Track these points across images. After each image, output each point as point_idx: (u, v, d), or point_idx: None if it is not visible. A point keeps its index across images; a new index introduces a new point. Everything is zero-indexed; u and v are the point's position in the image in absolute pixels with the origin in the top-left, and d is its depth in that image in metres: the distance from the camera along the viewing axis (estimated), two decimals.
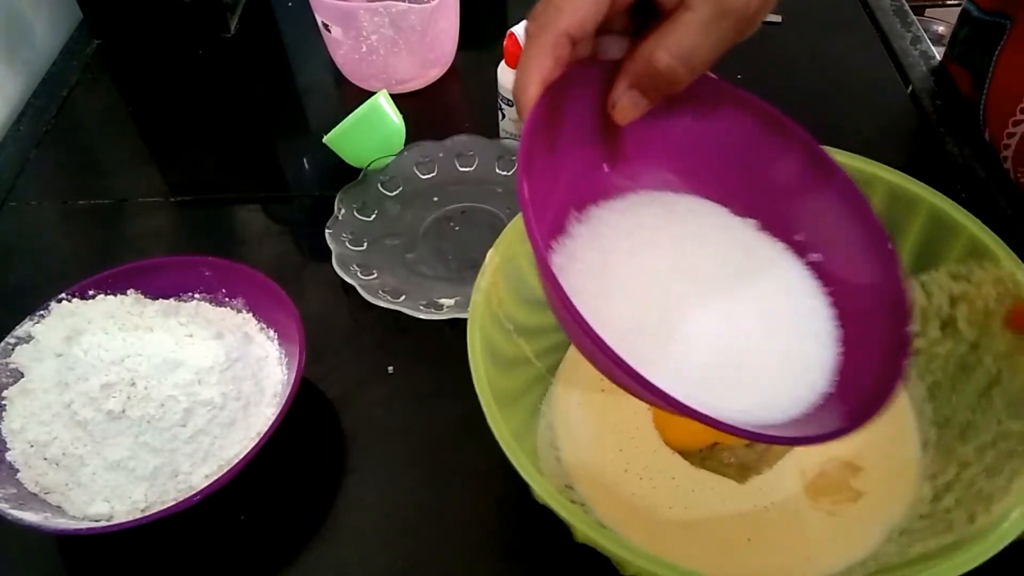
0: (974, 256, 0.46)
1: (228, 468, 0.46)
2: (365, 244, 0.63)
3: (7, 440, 0.48)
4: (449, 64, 0.80)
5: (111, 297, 0.54)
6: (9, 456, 0.47)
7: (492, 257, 0.47)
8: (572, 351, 0.53)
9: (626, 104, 0.35)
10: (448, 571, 0.48)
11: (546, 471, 0.46)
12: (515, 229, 0.49)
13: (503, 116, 0.70)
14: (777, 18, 0.84)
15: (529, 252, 0.48)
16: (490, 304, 0.46)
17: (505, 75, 0.67)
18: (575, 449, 0.49)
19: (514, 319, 0.48)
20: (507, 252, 0.48)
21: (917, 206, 0.48)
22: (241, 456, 0.47)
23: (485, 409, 0.40)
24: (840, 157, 0.49)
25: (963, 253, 0.47)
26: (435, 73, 0.80)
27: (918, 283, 0.49)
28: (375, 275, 0.60)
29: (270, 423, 0.47)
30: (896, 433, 0.49)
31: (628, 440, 0.49)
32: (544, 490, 0.37)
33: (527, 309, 0.49)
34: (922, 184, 0.48)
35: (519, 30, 0.65)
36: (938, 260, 0.48)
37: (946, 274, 0.48)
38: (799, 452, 0.48)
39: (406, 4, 0.72)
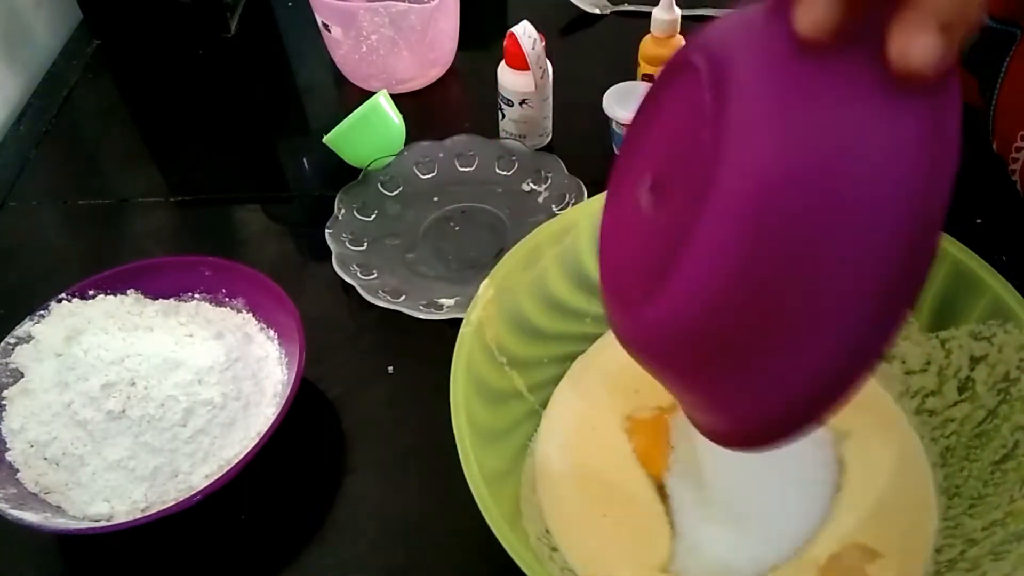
0: (997, 317, 0.44)
1: (228, 468, 0.46)
2: (365, 244, 0.63)
3: (7, 440, 0.48)
4: (449, 64, 0.80)
5: (111, 297, 0.54)
6: (9, 456, 0.47)
7: (486, 288, 0.46)
8: (563, 383, 0.52)
9: (933, 47, 0.25)
10: (448, 572, 0.48)
11: (527, 514, 0.45)
12: (510, 260, 0.48)
13: (503, 116, 0.70)
14: None
15: (527, 281, 0.49)
16: (482, 337, 0.45)
17: (505, 75, 0.67)
18: (552, 488, 0.47)
19: (508, 352, 0.48)
20: (504, 283, 0.47)
21: (940, 259, 0.45)
22: (241, 456, 0.47)
23: (462, 455, 0.40)
24: None
25: (986, 313, 0.45)
26: (435, 73, 0.80)
27: (938, 341, 0.48)
28: (375, 275, 0.60)
29: (270, 423, 0.47)
30: (917, 518, 0.45)
31: (608, 474, 0.48)
32: (513, 549, 0.37)
33: (523, 341, 0.49)
34: (947, 236, 0.46)
35: (519, 30, 0.65)
36: (959, 318, 0.46)
37: (967, 333, 0.46)
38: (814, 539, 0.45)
39: (406, 4, 0.72)
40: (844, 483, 0.46)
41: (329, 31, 0.75)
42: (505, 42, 0.66)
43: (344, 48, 0.76)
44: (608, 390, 0.51)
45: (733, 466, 0.47)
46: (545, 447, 0.49)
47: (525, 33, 0.64)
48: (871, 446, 0.48)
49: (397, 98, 0.70)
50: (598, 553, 0.45)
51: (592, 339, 0.54)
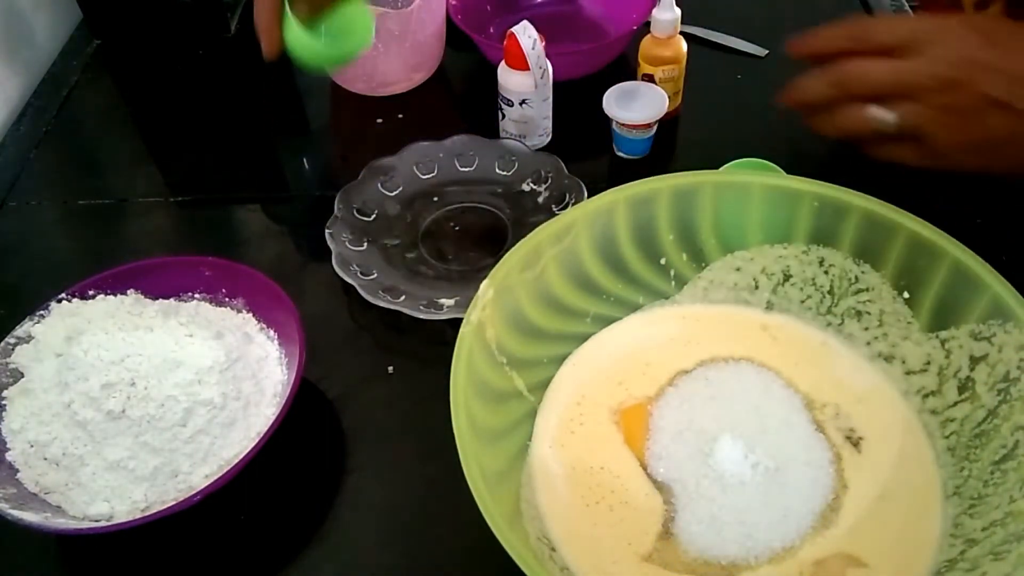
0: (997, 317, 0.44)
1: (228, 468, 0.46)
2: (365, 244, 0.63)
3: (7, 440, 0.48)
4: (434, 69, 0.80)
5: (111, 297, 0.54)
6: (9, 456, 0.47)
7: (486, 289, 0.46)
8: (556, 379, 0.52)
9: None
10: (447, 572, 0.48)
11: (527, 514, 0.45)
12: (510, 260, 0.48)
13: (503, 116, 0.70)
14: (762, 52, 0.81)
15: (527, 281, 0.49)
16: (482, 337, 0.45)
17: (505, 75, 0.67)
18: (548, 485, 0.47)
19: (508, 351, 0.48)
20: (504, 283, 0.47)
21: (940, 259, 0.46)
22: (241, 456, 0.47)
23: (462, 455, 0.40)
24: (861, 202, 0.49)
25: (986, 313, 0.45)
26: (419, 77, 0.79)
27: (938, 341, 0.48)
28: (375, 275, 0.60)
29: (270, 423, 0.47)
30: (917, 529, 0.45)
31: (599, 464, 0.48)
32: (513, 549, 0.37)
33: (523, 341, 0.49)
34: (947, 236, 0.46)
35: (519, 30, 0.65)
36: (960, 318, 0.46)
37: (967, 333, 0.46)
38: (805, 539, 0.45)
39: (381, 9, 0.71)
40: (845, 488, 0.46)
41: None
42: (505, 42, 0.66)
43: None
44: (595, 385, 0.52)
45: (719, 462, 0.47)
46: (539, 447, 0.49)
47: (525, 33, 0.64)
48: (877, 451, 0.48)
49: (391, 100, 0.69)
50: (589, 542, 0.45)
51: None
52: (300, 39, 0.54)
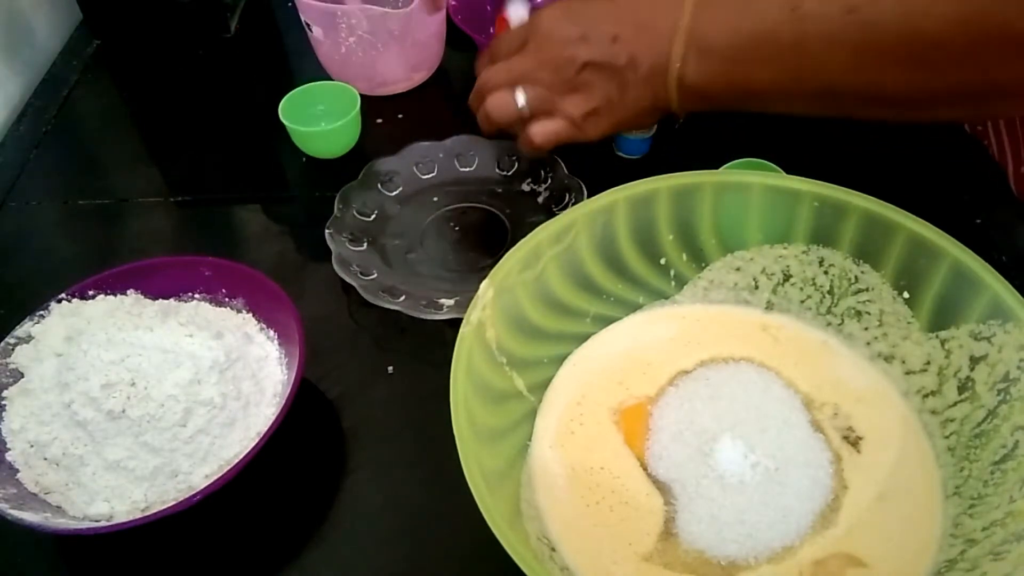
0: (997, 317, 0.44)
1: (228, 468, 0.46)
2: (365, 244, 0.63)
3: (7, 440, 0.48)
4: (434, 68, 0.80)
5: (111, 297, 0.54)
6: (9, 456, 0.47)
7: (486, 289, 0.46)
8: (556, 379, 0.52)
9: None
10: (447, 572, 0.48)
11: (527, 514, 0.45)
12: (510, 260, 0.48)
13: None
14: None
15: (527, 281, 0.49)
16: (482, 337, 0.45)
17: None
18: (548, 486, 0.47)
19: (508, 351, 0.48)
20: (504, 283, 0.47)
21: (940, 259, 0.46)
22: (241, 456, 0.47)
23: (462, 455, 0.40)
24: (861, 202, 0.49)
25: (986, 313, 0.45)
26: (419, 77, 0.79)
27: (938, 341, 0.48)
28: (375, 275, 0.60)
29: (270, 423, 0.47)
30: (917, 528, 0.45)
31: (599, 464, 0.48)
32: (512, 548, 0.37)
33: (523, 341, 0.49)
34: (947, 236, 0.46)
35: (512, 13, 0.63)
36: (959, 318, 0.46)
37: (967, 333, 0.46)
38: (804, 539, 0.45)
39: (382, 9, 0.71)
40: (844, 488, 0.46)
41: (311, 31, 0.75)
42: (496, 28, 0.64)
43: (325, 48, 0.76)
44: (595, 385, 0.52)
45: (719, 462, 0.47)
46: (539, 447, 0.49)
47: (516, 16, 0.63)
48: (877, 451, 0.48)
49: (388, 100, 0.69)
50: (589, 542, 0.45)
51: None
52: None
